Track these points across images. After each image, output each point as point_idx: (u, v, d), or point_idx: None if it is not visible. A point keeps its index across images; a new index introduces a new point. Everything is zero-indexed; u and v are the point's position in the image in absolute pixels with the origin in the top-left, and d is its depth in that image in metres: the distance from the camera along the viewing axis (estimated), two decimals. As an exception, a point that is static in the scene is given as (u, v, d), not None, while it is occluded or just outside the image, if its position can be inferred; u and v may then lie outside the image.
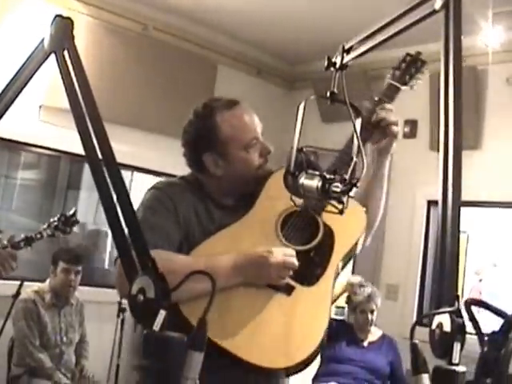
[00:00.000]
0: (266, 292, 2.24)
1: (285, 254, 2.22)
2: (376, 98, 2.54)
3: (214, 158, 2.42)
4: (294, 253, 2.24)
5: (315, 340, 2.18)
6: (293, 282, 2.25)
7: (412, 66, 2.58)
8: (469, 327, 1.37)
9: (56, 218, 4.26)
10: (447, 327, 1.36)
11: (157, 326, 1.44)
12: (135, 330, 2.54)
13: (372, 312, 5.68)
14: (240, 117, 2.44)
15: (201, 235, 2.36)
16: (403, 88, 2.56)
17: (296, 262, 2.22)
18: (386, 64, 7.13)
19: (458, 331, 1.35)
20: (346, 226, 2.38)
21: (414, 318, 6.41)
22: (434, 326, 1.40)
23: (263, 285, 2.25)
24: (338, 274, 2.39)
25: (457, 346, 1.35)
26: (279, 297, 2.24)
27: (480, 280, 7.08)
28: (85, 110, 1.66)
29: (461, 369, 1.35)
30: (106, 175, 1.60)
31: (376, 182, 2.57)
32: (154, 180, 7.06)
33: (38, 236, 4.11)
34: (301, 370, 2.35)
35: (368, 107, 2.51)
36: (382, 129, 2.49)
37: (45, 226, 4.22)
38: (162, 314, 1.44)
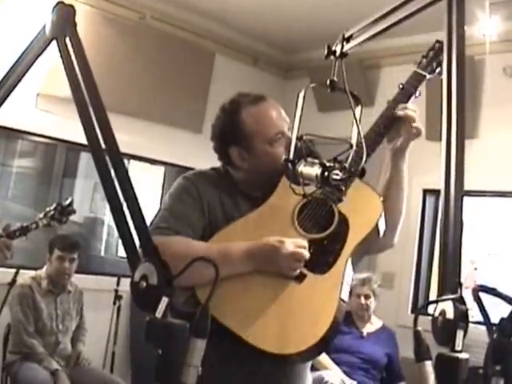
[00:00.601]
0: (277, 279, 2.25)
1: (296, 245, 2.22)
2: (400, 86, 2.52)
3: (240, 152, 2.46)
4: (305, 244, 2.24)
5: (323, 328, 2.17)
6: (305, 270, 2.25)
7: (441, 53, 2.50)
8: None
9: (52, 208, 4.25)
10: (450, 314, 1.37)
11: (159, 313, 1.44)
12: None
13: (367, 297, 5.69)
14: (265, 112, 2.47)
15: (224, 224, 2.39)
16: (429, 76, 2.53)
17: (307, 254, 2.22)
18: (382, 54, 7.15)
19: (461, 318, 1.36)
20: (361, 213, 2.38)
21: (410, 306, 6.43)
22: (436, 314, 1.40)
23: (275, 272, 2.25)
24: (355, 262, 2.39)
25: (460, 333, 1.35)
26: (290, 284, 2.24)
27: (475, 269, 7.09)
28: (87, 96, 1.66)
29: (464, 356, 1.35)
30: (109, 163, 1.60)
31: (394, 185, 2.57)
32: (150, 168, 7.07)
33: (34, 226, 4.10)
34: (313, 357, 2.41)
35: (389, 102, 2.51)
36: (401, 125, 2.47)
37: (41, 216, 4.20)
38: (165, 300, 1.44)
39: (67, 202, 4.32)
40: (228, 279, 2.13)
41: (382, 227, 2.39)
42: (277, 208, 2.41)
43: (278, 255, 2.19)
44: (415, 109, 2.48)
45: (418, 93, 2.52)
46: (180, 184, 2.50)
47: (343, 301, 2.25)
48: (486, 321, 1.35)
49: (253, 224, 2.39)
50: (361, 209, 2.37)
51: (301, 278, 2.25)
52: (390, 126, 2.48)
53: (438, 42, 2.55)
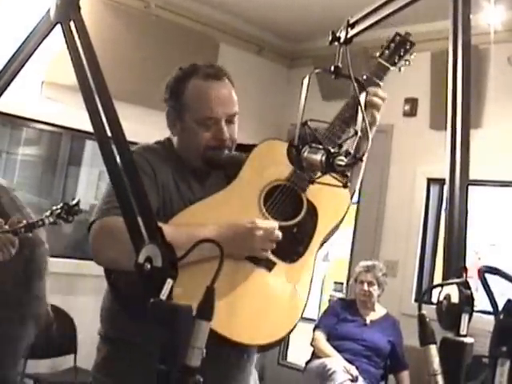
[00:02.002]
0: (246, 266, 2.22)
1: (268, 226, 2.20)
2: (365, 77, 2.49)
3: (174, 117, 2.48)
4: (277, 225, 2.22)
5: (293, 318, 2.16)
6: (274, 258, 2.24)
7: (401, 46, 2.52)
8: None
9: (59, 206, 4.26)
10: (455, 298, 1.37)
11: (164, 295, 1.45)
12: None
13: (370, 284, 5.72)
14: (209, 91, 2.42)
15: (179, 203, 2.34)
16: (392, 68, 2.51)
17: (280, 235, 2.20)
18: (386, 42, 7.13)
19: (466, 302, 1.36)
20: (330, 203, 2.37)
21: (413, 295, 6.45)
22: (441, 298, 1.40)
23: (243, 259, 2.22)
24: (318, 252, 2.36)
25: (465, 318, 1.35)
26: (260, 272, 2.22)
27: (479, 258, 7.09)
28: (91, 81, 1.66)
29: (469, 340, 1.35)
30: (114, 148, 1.61)
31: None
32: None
33: (40, 223, 4.11)
34: (275, 347, 2.34)
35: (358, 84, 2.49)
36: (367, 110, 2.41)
37: (47, 214, 4.21)
38: (170, 282, 1.45)
39: (74, 201, 4.35)
40: (195, 265, 1.98)
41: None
42: (242, 192, 2.38)
43: (252, 236, 2.17)
44: (379, 94, 2.46)
45: (381, 84, 2.49)
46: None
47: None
48: (492, 302, 1.34)
49: (218, 205, 2.35)
50: (329, 198, 2.36)
51: (270, 265, 2.23)
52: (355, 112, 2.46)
53: (397, 34, 2.55)
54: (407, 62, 2.54)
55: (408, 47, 2.53)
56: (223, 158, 2.41)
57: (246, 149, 2.52)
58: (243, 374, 2.41)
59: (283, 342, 2.22)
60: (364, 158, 2.50)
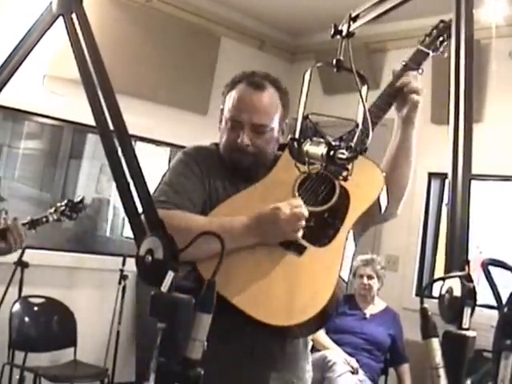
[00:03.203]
0: (277, 251, 2.24)
1: (292, 205, 2.21)
2: (403, 63, 2.53)
3: (220, 118, 2.57)
4: (301, 202, 2.24)
5: (322, 300, 2.16)
6: (305, 243, 2.25)
7: (444, 32, 2.54)
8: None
9: (63, 203, 4.28)
10: (457, 292, 1.37)
11: (165, 288, 1.44)
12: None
13: (369, 277, 5.73)
14: (241, 95, 2.49)
15: (225, 199, 2.42)
16: (432, 54, 2.54)
17: (305, 211, 2.21)
18: (388, 37, 7.13)
19: (469, 296, 1.36)
20: (363, 188, 2.37)
21: (414, 289, 6.45)
22: (443, 291, 1.40)
23: (275, 244, 2.25)
24: (357, 235, 2.41)
25: (467, 311, 1.35)
26: (290, 256, 2.24)
27: (480, 252, 7.09)
28: (93, 73, 1.66)
29: (471, 333, 1.35)
30: (116, 141, 1.61)
31: (401, 153, 2.55)
32: (155, 149, 7.08)
33: (44, 220, 4.13)
34: (312, 331, 2.40)
35: (395, 71, 2.51)
36: (404, 95, 2.48)
37: (51, 211, 4.23)
38: (171, 275, 1.44)
39: (78, 198, 4.36)
40: (228, 254, 2.01)
41: (383, 202, 2.40)
42: (277, 182, 2.42)
43: (278, 220, 2.19)
44: (415, 79, 2.49)
45: (420, 70, 2.53)
46: (180, 158, 2.54)
47: (343, 279, 2.25)
48: (496, 295, 1.34)
49: (253, 198, 2.40)
50: (362, 183, 2.34)
51: (301, 250, 2.25)
52: (393, 99, 2.49)
53: (442, 21, 2.56)
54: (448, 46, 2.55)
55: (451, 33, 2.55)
56: (245, 163, 2.48)
57: None
58: (286, 359, 2.44)
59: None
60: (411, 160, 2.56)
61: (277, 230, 2.22)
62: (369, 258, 5.82)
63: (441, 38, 2.54)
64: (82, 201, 4.33)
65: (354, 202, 2.34)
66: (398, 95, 2.49)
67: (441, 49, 2.55)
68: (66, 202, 4.28)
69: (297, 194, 2.35)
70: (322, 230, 2.29)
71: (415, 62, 2.53)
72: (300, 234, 2.23)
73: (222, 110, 2.54)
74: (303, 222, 2.22)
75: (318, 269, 2.25)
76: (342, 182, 2.32)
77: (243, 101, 2.47)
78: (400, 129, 2.55)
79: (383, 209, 2.41)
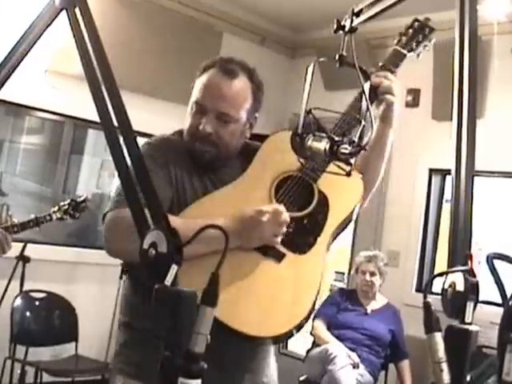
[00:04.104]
0: (255, 257, 2.17)
1: (275, 210, 2.15)
2: (380, 64, 2.47)
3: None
4: (283, 208, 2.17)
5: (303, 310, 2.11)
6: (284, 249, 2.20)
7: (420, 32, 2.48)
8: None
9: (66, 202, 4.31)
10: (460, 286, 1.37)
11: (168, 281, 1.44)
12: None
13: (372, 274, 5.74)
14: (209, 80, 2.38)
15: (191, 195, 2.32)
16: (409, 55, 2.48)
17: (287, 217, 2.16)
18: (389, 33, 7.11)
19: (472, 290, 1.36)
20: (342, 194, 2.33)
21: (415, 285, 6.46)
22: (446, 286, 1.40)
23: (252, 250, 2.18)
24: (330, 244, 2.32)
25: (470, 305, 1.36)
26: (269, 263, 2.18)
27: (479, 249, 7.09)
28: (97, 67, 1.66)
29: (474, 328, 1.36)
30: (120, 136, 1.61)
31: (376, 148, 2.47)
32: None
33: (48, 218, 4.16)
34: (289, 338, 2.28)
35: (371, 72, 2.47)
36: (379, 95, 2.41)
37: (55, 209, 4.26)
38: (174, 268, 1.44)
39: (81, 198, 4.38)
40: (205, 259, 1.93)
41: (356, 213, 2.38)
42: (252, 184, 2.35)
43: (260, 224, 2.12)
44: (388, 77, 2.43)
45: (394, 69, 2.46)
46: (145, 150, 2.33)
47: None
48: (500, 289, 1.34)
49: (229, 198, 2.31)
50: (342, 188, 2.32)
51: (280, 256, 2.19)
52: (371, 97, 2.36)
53: (416, 20, 2.52)
54: (426, 48, 2.51)
55: (427, 33, 2.50)
56: (207, 157, 2.38)
57: (254, 139, 2.51)
58: (256, 363, 2.39)
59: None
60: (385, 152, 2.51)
61: (257, 234, 2.14)
62: (372, 255, 5.83)
63: (417, 39, 2.48)
64: (84, 200, 4.36)
65: (334, 209, 2.29)
66: (373, 98, 2.40)
67: (418, 50, 2.49)
68: (69, 201, 4.31)
69: (274, 200, 2.28)
70: (301, 237, 2.24)
71: (392, 63, 2.47)
72: (280, 239, 2.18)
73: (191, 93, 2.45)
74: (284, 228, 2.17)
75: (296, 278, 2.19)
76: (321, 187, 2.30)
77: (211, 86, 2.36)
78: (378, 127, 2.46)
79: (354, 218, 2.38)
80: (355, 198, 2.35)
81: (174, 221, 2.14)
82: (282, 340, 2.28)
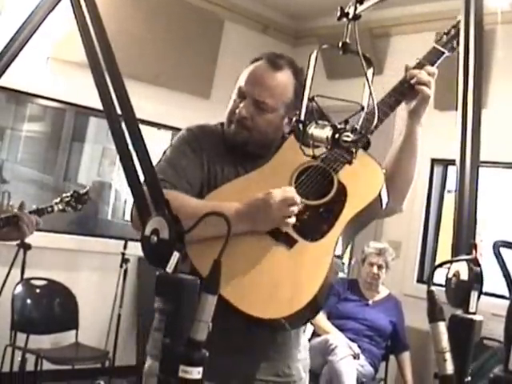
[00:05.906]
0: (266, 242, 2.21)
1: (285, 192, 2.18)
2: (417, 60, 2.46)
3: None
4: (293, 189, 2.21)
5: (307, 296, 2.12)
6: (296, 236, 2.22)
7: None
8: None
9: (69, 194, 4.31)
10: (464, 275, 1.36)
11: (170, 268, 1.44)
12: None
13: (379, 267, 5.73)
14: (252, 67, 2.47)
15: (223, 182, 2.39)
16: (447, 54, 2.47)
17: (298, 198, 2.18)
18: (391, 22, 7.11)
19: (476, 279, 1.35)
20: (361, 186, 2.34)
21: (416, 276, 6.46)
22: (450, 275, 1.39)
23: (265, 235, 2.21)
24: (350, 236, 2.36)
25: (474, 295, 1.35)
26: (280, 248, 2.20)
27: (481, 240, 7.10)
28: (100, 54, 1.65)
29: (478, 317, 1.35)
30: (123, 123, 1.60)
31: (406, 148, 2.48)
32: (157, 133, 7.07)
33: (49, 209, 4.15)
34: (298, 325, 2.34)
35: (408, 67, 2.44)
36: (413, 88, 2.40)
37: (57, 200, 4.26)
38: (176, 255, 1.44)
39: (84, 190, 4.39)
40: (216, 241, 1.87)
41: (384, 199, 2.35)
42: (276, 171, 2.38)
43: (270, 206, 2.15)
44: (431, 73, 2.42)
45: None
46: (182, 135, 2.50)
47: (334, 271, 2.22)
48: (507, 277, 1.33)
49: (250, 185, 2.35)
50: (362, 180, 2.33)
51: (291, 242, 2.21)
52: (402, 96, 2.41)
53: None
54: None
55: None
56: (240, 138, 2.44)
57: None
58: (273, 351, 2.41)
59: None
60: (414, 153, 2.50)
61: (268, 216, 2.17)
62: (382, 248, 5.81)
63: (458, 38, 2.42)
64: (87, 192, 4.37)
65: (351, 200, 2.29)
66: (407, 93, 2.41)
67: (458, 49, 2.49)
68: (71, 192, 4.31)
69: (293, 186, 2.30)
70: (315, 225, 2.25)
71: (429, 61, 2.46)
72: (291, 221, 2.19)
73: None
74: (295, 209, 2.18)
75: (305, 264, 2.21)
76: (341, 178, 2.31)
77: (254, 74, 2.44)
78: (406, 124, 2.48)
79: (384, 205, 2.35)
80: (374, 191, 2.32)
81: (190, 201, 2.23)
82: (297, 325, 2.32)
